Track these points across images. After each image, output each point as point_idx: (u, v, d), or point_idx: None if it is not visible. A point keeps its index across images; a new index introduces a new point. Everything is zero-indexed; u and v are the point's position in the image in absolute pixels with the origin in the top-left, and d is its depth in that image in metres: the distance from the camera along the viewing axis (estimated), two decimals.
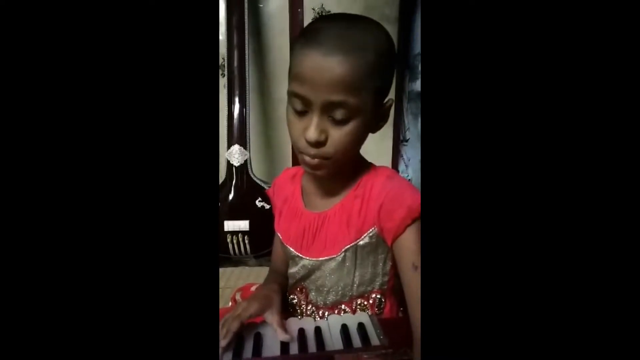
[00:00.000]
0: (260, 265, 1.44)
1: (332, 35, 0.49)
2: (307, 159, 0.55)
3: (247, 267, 1.45)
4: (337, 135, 0.52)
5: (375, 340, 0.54)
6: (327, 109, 0.51)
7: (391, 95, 0.57)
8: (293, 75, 0.52)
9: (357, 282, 0.61)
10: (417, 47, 1.54)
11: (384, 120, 0.58)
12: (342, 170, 0.59)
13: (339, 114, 0.51)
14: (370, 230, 0.58)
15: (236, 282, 1.31)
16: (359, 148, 0.59)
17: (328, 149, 0.53)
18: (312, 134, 0.51)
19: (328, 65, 0.48)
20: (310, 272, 0.64)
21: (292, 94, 0.52)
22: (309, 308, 0.67)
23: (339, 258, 0.60)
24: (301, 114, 0.53)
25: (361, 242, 0.58)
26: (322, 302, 0.64)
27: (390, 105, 0.58)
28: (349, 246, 0.59)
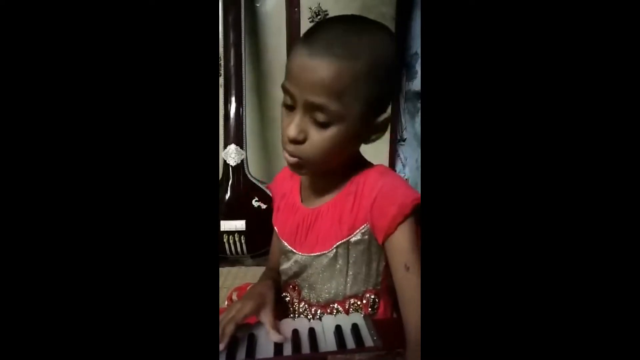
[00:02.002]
0: (257, 265, 1.44)
1: (324, 37, 0.50)
2: (286, 155, 0.56)
3: (243, 267, 1.45)
4: (317, 138, 0.53)
5: (369, 342, 0.54)
6: (308, 109, 0.51)
7: None
8: (286, 71, 0.54)
9: (350, 282, 0.61)
10: (414, 46, 1.54)
11: (378, 133, 0.58)
12: (336, 169, 0.59)
13: (319, 116, 0.51)
14: (363, 226, 0.57)
15: (233, 282, 1.31)
16: (345, 154, 0.58)
17: (306, 149, 0.53)
18: (291, 130, 0.52)
19: (312, 66, 0.49)
20: (302, 268, 0.64)
21: (282, 89, 0.54)
22: (301, 306, 0.67)
23: (331, 254, 0.60)
24: (290, 109, 0.54)
25: (353, 239, 0.58)
26: (315, 300, 0.64)
27: (388, 121, 0.57)
28: (340, 242, 0.59)
